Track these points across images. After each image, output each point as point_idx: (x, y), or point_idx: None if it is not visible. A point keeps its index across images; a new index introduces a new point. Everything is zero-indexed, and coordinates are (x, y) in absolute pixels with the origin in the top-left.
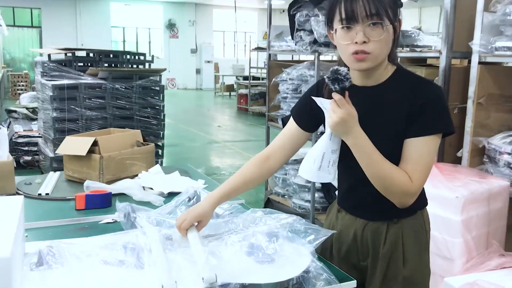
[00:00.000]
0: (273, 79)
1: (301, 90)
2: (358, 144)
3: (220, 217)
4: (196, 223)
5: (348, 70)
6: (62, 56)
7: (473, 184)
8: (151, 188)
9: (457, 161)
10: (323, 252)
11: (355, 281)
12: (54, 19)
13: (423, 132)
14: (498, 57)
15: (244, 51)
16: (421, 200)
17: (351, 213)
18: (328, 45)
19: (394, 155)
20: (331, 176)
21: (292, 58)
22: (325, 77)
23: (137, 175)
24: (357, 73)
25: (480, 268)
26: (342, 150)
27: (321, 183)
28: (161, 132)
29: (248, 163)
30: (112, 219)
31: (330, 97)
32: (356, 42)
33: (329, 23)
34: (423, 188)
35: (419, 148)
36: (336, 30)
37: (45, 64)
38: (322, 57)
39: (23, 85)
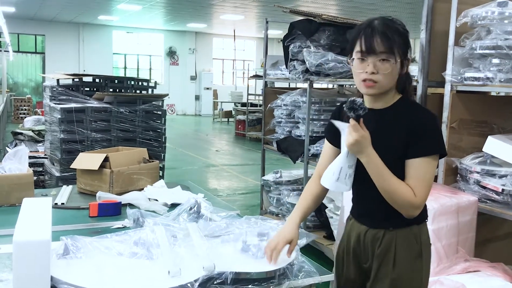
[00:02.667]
0: (269, 105)
1: (294, 115)
2: (370, 162)
3: (218, 222)
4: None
5: (363, 100)
6: (69, 81)
7: (444, 198)
8: (156, 200)
9: (434, 179)
10: (337, 258)
11: (332, 274)
12: (58, 46)
13: (421, 153)
14: (467, 86)
15: (242, 78)
16: (420, 215)
17: (358, 220)
18: (319, 74)
19: (396, 170)
20: (347, 187)
21: (289, 85)
22: (343, 105)
23: (143, 189)
24: (367, 97)
25: (447, 272)
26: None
27: None
28: (162, 154)
29: (310, 182)
30: (122, 225)
31: (347, 121)
32: (367, 72)
33: (350, 52)
34: (425, 206)
35: (419, 167)
36: (353, 59)
37: (54, 89)
38: (315, 85)
39: (25, 109)
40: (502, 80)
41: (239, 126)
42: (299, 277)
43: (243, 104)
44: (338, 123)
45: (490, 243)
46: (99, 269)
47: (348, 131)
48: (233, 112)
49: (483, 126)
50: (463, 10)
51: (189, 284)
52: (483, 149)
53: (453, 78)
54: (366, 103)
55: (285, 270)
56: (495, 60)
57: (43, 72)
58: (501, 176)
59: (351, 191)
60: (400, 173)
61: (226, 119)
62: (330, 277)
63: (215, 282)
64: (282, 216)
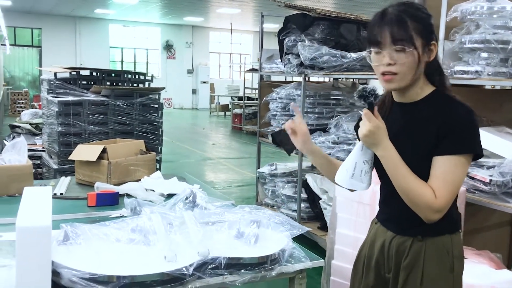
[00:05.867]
0: (264, 98)
1: (289, 108)
2: (386, 155)
3: (213, 211)
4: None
5: (375, 87)
6: (66, 75)
7: None
8: (153, 190)
9: None
10: (357, 260)
11: (322, 260)
12: (54, 39)
13: (450, 151)
14: (456, 79)
15: (239, 72)
16: (452, 223)
17: (383, 224)
18: (313, 67)
19: (424, 170)
20: (364, 185)
21: (286, 79)
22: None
23: (140, 180)
24: (394, 92)
25: None
26: (377, 162)
27: (307, 194)
28: (159, 147)
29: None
30: (120, 214)
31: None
32: (384, 64)
33: (367, 47)
34: (459, 214)
35: (446, 166)
36: (370, 53)
37: (51, 82)
38: (312, 78)
39: (22, 103)
40: (490, 73)
41: (236, 120)
42: (290, 263)
43: (240, 98)
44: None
45: (480, 233)
46: (98, 254)
47: (362, 121)
48: (230, 106)
49: None
50: (453, 5)
51: (184, 268)
52: None
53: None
54: (394, 97)
55: (277, 256)
56: (484, 54)
57: (40, 65)
58: (489, 167)
59: (380, 193)
60: (425, 175)
61: (223, 113)
62: (320, 263)
63: (209, 267)
64: (277, 208)
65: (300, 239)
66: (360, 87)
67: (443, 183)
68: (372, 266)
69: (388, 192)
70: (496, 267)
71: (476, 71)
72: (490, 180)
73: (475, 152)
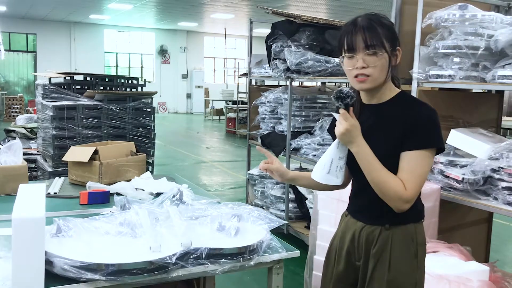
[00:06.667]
0: (253, 102)
1: (277, 112)
2: (360, 151)
3: (197, 207)
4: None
5: (351, 89)
6: (61, 80)
7: None
8: (143, 189)
9: None
10: (329, 252)
11: (298, 251)
12: (49, 44)
13: (416, 146)
14: (431, 83)
15: (233, 76)
16: (416, 214)
17: (353, 216)
18: (299, 72)
19: (392, 165)
20: (338, 180)
21: (279, 83)
22: (331, 96)
23: (130, 180)
24: (363, 93)
25: None
26: (351, 159)
27: (294, 195)
28: (152, 150)
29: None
30: (110, 211)
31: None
32: (357, 68)
33: (340, 53)
34: (423, 205)
35: (412, 160)
36: (343, 58)
37: (46, 87)
38: (304, 83)
39: (17, 108)
40: (462, 77)
41: (230, 124)
42: (267, 252)
43: (234, 102)
44: (335, 115)
45: (458, 230)
46: (88, 245)
47: (338, 120)
48: (224, 110)
49: (449, 120)
50: (428, 12)
51: (167, 258)
52: (446, 142)
53: (419, 75)
54: (363, 98)
55: (255, 247)
56: (456, 59)
57: (35, 70)
58: (462, 166)
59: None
60: (396, 169)
61: (217, 117)
62: (296, 253)
63: (191, 257)
64: (266, 208)
65: (288, 238)
66: (337, 89)
67: (411, 175)
68: (343, 256)
69: (360, 186)
70: (466, 259)
71: (450, 75)
72: (463, 178)
73: (438, 146)
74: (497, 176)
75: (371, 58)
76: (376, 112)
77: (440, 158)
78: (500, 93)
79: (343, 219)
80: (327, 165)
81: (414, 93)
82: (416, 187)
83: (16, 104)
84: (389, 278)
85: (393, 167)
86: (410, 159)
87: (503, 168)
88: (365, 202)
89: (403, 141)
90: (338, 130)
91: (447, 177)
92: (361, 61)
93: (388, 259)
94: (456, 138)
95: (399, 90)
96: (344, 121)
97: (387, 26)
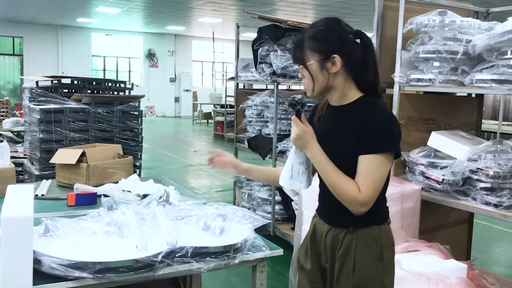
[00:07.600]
0: (240, 105)
1: (263, 115)
2: (314, 156)
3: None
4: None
5: (303, 96)
6: (48, 83)
7: (390, 187)
8: (129, 191)
9: None
10: (301, 249)
11: (281, 250)
12: (36, 48)
13: (371, 150)
14: (412, 86)
15: (221, 80)
16: (379, 216)
17: (320, 217)
18: (285, 76)
19: (351, 167)
20: (303, 185)
21: (267, 87)
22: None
23: (117, 182)
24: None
25: None
26: None
27: (281, 197)
28: (139, 153)
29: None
30: (97, 213)
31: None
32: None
33: None
34: (386, 207)
35: (368, 164)
36: None
37: (33, 90)
38: (283, 86)
39: (3, 111)
40: (441, 81)
41: (218, 127)
42: (251, 251)
43: (222, 106)
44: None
45: (440, 230)
46: (76, 244)
47: (292, 127)
48: (213, 114)
49: (430, 123)
50: (409, 18)
51: (153, 256)
52: (427, 144)
53: (400, 79)
54: (329, 101)
55: (240, 245)
56: (436, 63)
57: (21, 74)
58: (442, 168)
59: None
60: (354, 172)
61: (205, 121)
62: (279, 252)
63: (177, 255)
64: (253, 210)
65: (275, 240)
66: (291, 96)
67: (366, 179)
68: (314, 256)
69: (323, 188)
70: (445, 257)
71: (430, 79)
72: (443, 179)
73: (393, 151)
74: (475, 177)
75: (303, 71)
76: (336, 114)
77: (421, 159)
78: (480, 96)
79: (313, 219)
80: (288, 170)
81: (396, 96)
82: (371, 191)
83: (2, 108)
84: (354, 281)
85: (350, 170)
86: (366, 163)
87: (481, 169)
88: (329, 203)
89: (359, 144)
90: (291, 136)
91: (428, 178)
92: (300, 73)
93: (352, 262)
94: (436, 140)
95: (362, 94)
96: (295, 127)
97: (317, 37)
